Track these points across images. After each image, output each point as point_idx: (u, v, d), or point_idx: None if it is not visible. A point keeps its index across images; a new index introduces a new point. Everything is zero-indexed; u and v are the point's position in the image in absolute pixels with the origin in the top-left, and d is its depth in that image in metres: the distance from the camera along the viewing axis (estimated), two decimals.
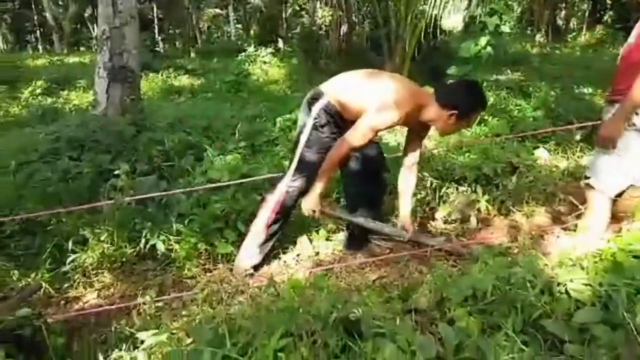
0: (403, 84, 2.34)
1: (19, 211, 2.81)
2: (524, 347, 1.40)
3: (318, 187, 2.37)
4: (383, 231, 2.64)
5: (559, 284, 1.61)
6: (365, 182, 2.65)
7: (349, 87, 2.36)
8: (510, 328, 1.45)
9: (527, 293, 1.58)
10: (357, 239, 2.76)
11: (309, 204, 2.41)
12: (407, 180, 2.59)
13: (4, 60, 12.75)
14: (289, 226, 2.74)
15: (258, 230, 2.50)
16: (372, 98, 2.24)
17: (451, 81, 2.31)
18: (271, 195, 2.50)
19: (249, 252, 2.51)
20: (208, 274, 2.55)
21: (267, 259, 2.60)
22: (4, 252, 2.60)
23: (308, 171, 2.41)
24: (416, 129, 2.49)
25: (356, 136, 2.25)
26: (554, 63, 8.41)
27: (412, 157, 2.55)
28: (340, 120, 2.35)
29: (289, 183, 2.44)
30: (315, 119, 2.36)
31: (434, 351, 1.29)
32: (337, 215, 2.66)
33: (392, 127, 2.33)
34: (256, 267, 2.54)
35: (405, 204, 2.60)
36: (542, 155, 3.62)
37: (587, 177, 2.30)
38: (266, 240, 2.52)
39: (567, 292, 1.57)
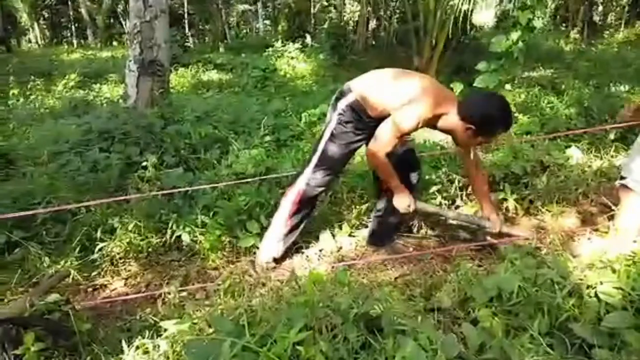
0: (431, 83, 2.29)
1: (51, 199, 2.89)
2: (549, 350, 1.36)
3: (395, 185, 2.37)
4: (474, 222, 2.57)
5: (588, 287, 1.56)
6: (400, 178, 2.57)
7: (376, 85, 2.33)
8: (536, 330, 1.42)
9: (555, 295, 1.54)
10: (381, 235, 2.73)
11: (402, 201, 2.39)
12: (475, 180, 2.53)
13: (40, 54, 13.15)
14: (312, 221, 2.73)
15: (279, 223, 2.50)
16: (398, 97, 2.21)
17: (480, 93, 2.18)
18: (291, 188, 2.49)
19: (270, 245, 2.52)
20: (231, 266, 2.57)
21: (289, 253, 2.61)
22: (36, 239, 2.68)
23: (329, 164, 2.40)
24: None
25: (383, 141, 2.24)
26: (589, 60, 8.13)
27: (469, 158, 2.46)
28: (365, 117, 2.33)
29: (309, 175, 2.43)
30: (340, 114, 2.35)
31: (456, 351, 1.26)
32: (431, 210, 2.60)
33: (418, 127, 2.24)
34: (277, 260, 2.55)
35: (485, 202, 2.53)
36: (574, 154, 3.50)
37: (622, 178, 2.22)
38: (287, 234, 2.51)
39: (596, 295, 1.52)
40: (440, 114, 2.22)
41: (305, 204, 2.49)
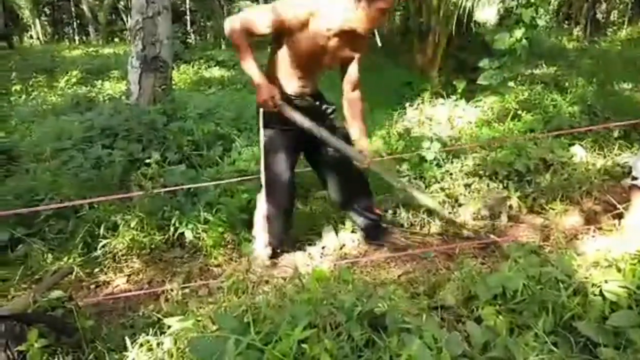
0: None
1: (53, 196, 2.89)
2: (554, 349, 1.35)
3: (252, 73, 2.18)
4: (337, 145, 2.33)
5: (593, 285, 1.55)
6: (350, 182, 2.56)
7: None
8: (541, 329, 1.41)
9: (559, 293, 1.53)
10: (374, 231, 2.69)
11: (263, 93, 2.17)
12: (350, 103, 2.43)
13: (42, 51, 13.14)
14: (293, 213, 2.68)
15: (259, 223, 2.49)
16: None
17: None
18: (258, 199, 2.50)
19: (261, 245, 2.52)
20: (234, 263, 2.57)
21: (292, 250, 2.61)
22: (39, 236, 2.68)
23: (280, 167, 2.36)
24: (340, 48, 2.26)
25: (248, 13, 2.14)
26: (592, 58, 8.10)
27: (349, 78, 2.39)
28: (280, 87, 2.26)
29: (267, 185, 2.39)
30: (264, 115, 2.30)
31: (461, 349, 1.26)
32: (289, 113, 2.26)
33: (292, 24, 2.07)
34: (275, 255, 2.53)
35: (357, 128, 2.41)
36: (577, 152, 3.49)
37: (634, 178, 2.22)
38: (273, 230, 2.48)
39: (601, 293, 1.52)
40: (313, 10, 2.06)
41: (275, 197, 2.41)
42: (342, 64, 2.40)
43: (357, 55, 2.35)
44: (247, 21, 2.12)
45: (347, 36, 2.17)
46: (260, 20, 2.10)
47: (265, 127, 2.33)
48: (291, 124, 2.26)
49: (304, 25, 2.09)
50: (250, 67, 2.18)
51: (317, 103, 2.44)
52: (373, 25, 2.16)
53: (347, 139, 2.44)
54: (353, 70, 2.39)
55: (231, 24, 2.13)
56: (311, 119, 2.27)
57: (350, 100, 2.45)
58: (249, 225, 2.66)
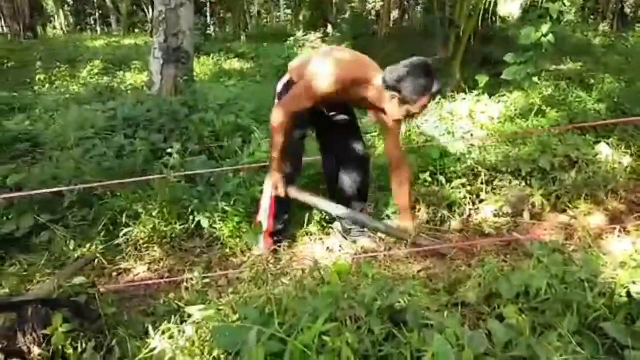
0: (348, 54, 2.28)
1: (77, 183, 2.93)
2: (579, 349, 1.33)
3: (274, 158, 2.33)
4: (379, 228, 2.50)
5: (620, 286, 1.52)
6: (349, 175, 2.61)
7: (308, 60, 2.32)
8: (565, 329, 1.39)
9: (584, 293, 1.50)
10: (357, 230, 2.71)
11: (273, 180, 2.39)
12: (397, 175, 2.48)
13: (65, 41, 13.34)
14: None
15: (265, 220, 2.54)
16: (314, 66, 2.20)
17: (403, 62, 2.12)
18: (265, 187, 2.54)
19: (264, 242, 2.56)
20: (250, 253, 2.59)
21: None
22: (62, 223, 2.73)
23: (288, 150, 2.40)
24: (380, 116, 2.39)
25: (287, 100, 2.23)
26: (619, 54, 7.89)
27: (394, 150, 2.46)
28: None
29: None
30: (278, 97, 2.39)
31: (484, 347, 1.24)
32: (312, 201, 2.49)
33: (327, 94, 2.17)
34: (279, 241, 2.56)
35: (403, 206, 2.49)
36: (603, 150, 3.41)
37: None
38: (277, 229, 2.55)
39: (629, 294, 1.48)
40: (358, 79, 2.17)
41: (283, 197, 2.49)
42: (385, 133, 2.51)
43: (389, 126, 2.42)
44: (290, 112, 2.23)
45: (379, 107, 2.26)
46: (301, 104, 2.22)
47: None
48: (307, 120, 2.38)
49: (344, 90, 2.18)
50: (277, 158, 2.33)
51: (332, 114, 2.51)
52: (397, 119, 2.24)
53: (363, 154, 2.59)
54: (391, 144, 2.46)
55: (278, 117, 2.24)
56: (315, 119, 2.41)
57: (395, 174, 2.50)
58: (254, 213, 2.68)
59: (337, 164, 2.62)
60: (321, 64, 2.19)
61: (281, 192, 2.39)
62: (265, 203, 2.55)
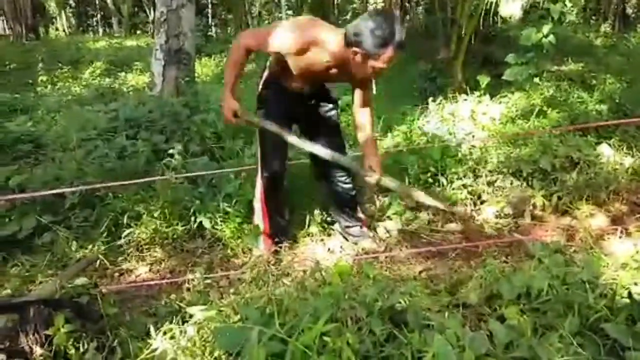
0: (309, 17, 2.26)
1: (79, 185, 2.94)
2: (580, 350, 1.33)
3: (226, 84, 2.29)
4: (347, 163, 2.41)
5: (621, 287, 1.52)
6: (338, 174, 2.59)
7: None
8: (566, 330, 1.39)
9: (586, 294, 1.50)
10: (355, 232, 2.70)
11: (225, 107, 2.30)
12: (360, 118, 2.40)
13: (67, 42, 13.37)
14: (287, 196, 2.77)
15: (261, 221, 2.55)
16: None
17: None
18: (256, 189, 2.55)
19: (264, 243, 2.56)
20: (251, 253, 2.59)
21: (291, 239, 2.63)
22: (64, 224, 2.74)
23: (272, 148, 2.42)
24: (340, 75, 2.29)
25: (262, 32, 2.25)
26: (621, 54, 7.88)
27: (356, 105, 2.39)
28: (278, 79, 2.36)
29: (261, 168, 2.49)
30: (258, 96, 2.45)
31: (485, 348, 1.24)
32: (262, 124, 2.35)
33: (284, 44, 2.13)
34: (278, 243, 2.55)
35: (370, 152, 2.37)
36: (604, 151, 3.41)
37: None
38: (274, 230, 2.55)
39: (630, 295, 1.48)
40: (315, 38, 2.10)
41: (272, 195, 2.51)
42: (350, 83, 2.41)
43: (362, 86, 2.36)
44: (249, 41, 2.23)
45: (346, 70, 2.16)
46: (262, 43, 2.19)
47: (260, 104, 2.45)
48: (286, 99, 2.37)
49: (304, 51, 2.13)
50: (228, 80, 2.30)
51: (313, 101, 2.48)
52: (366, 77, 2.19)
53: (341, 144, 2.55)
54: (358, 98, 2.39)
55: (238, 38, 2.27)
56: (303, 111, 2.41)
57: (359, 126, 2.44)
58: (251, 215, 2.68)
59: (325, 165, 2.54)
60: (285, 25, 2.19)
61: (241, 119, 2.31)
62: (257, 205, 2.56)
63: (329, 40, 2.10)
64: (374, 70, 2.06)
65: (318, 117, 2.51)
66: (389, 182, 2.38)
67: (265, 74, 2.44)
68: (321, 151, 2.35)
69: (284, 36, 2.12)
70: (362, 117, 2.41)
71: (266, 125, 2.32)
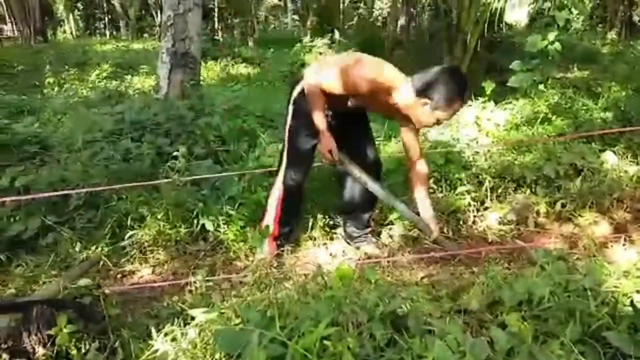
0: (375, 58, 2.26)
1: (83, 186, 2.96)
2: (581, 358, 1.32)
3: (319, 124, 2.25)
4: (411, 217, 2.48)
5: (623, 295, 1.51)
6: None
7: (325, 63, 2.32)
8: (567, 337, 1.38)
9: (587, 302, 1.50)
10: (361, 239, 2.71)
11: (324, 144, 2.29)
12: (416, 175, 2.45)
13: (75, 45, 13.49)
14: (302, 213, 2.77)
15: (272, 223, 2.53)
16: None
17: (432, 68, 2.12)
18: (272, 190, 2.52)
19: (268, 246, 2.54)
20: (255, 257, 2.60)
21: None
22: (68, 225, 2.76)
23: (299, 159, 2.41)
24: (401, 121, 2.37)
25: (327, 72, 2.20)
26: (627, 62, 7.86)
27: (414, 153, 2.43)
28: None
29: (284, 173, 2.44)
30: (294, 103, 2.37)
31: (485, 354, 1.24)
32: (349, 166, 2.39)
33: (352, 90, 2.17)
34: (284, 245, 2.54)
35: (424, 205, 2.43)
36: (609, 158, 3.40)
37: None
38: (281, 233, 2.53)
39: (632, 304, 1.47)
40: (387, 84, 2.14)
41: (290, 201, 2.49)
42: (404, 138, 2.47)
43: (407, 126, 2.39)
44: (329, 84, 2.19)
45: (405, 113, 2.23)
46: (336, 86, 2.17)
47: (291, 134, 2.41)
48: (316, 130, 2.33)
49: (380, 93, 2.17)
50: (321, 120, 2.26)
51: (346, 117, 2.48)
52: (423, 125, 2.24)
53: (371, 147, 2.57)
54: (412, 146, 2.43)
55: (314, 81, 2.21)
56: (334, 124, 2.37)
57: (415, 178, 2.46)
58: (261, 217, 2.68)
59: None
60: (362, 59, 2.20)
61: (335, 156, 2.30)
62: (272, 207, 2.54)
63: (402, 85, 2.15)
64: (438, 120, 2.14)
65: (350, 130, 2.50)
66: (444, 240, 2.56)
67: (300, 86, 2.37)
68: (385, 197, 2.44)
69: (368, 77, 2.13)
70: (420, 168, 2.45)
71: (351, 166, 2.39)
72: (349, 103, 2.34)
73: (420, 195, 2.44)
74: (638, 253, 1.72)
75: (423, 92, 2.07)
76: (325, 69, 2.24)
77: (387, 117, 2.52)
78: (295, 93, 2.38)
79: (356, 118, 2.53)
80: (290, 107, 2.40)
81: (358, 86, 2.15)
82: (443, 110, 2.09)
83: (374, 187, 2.41)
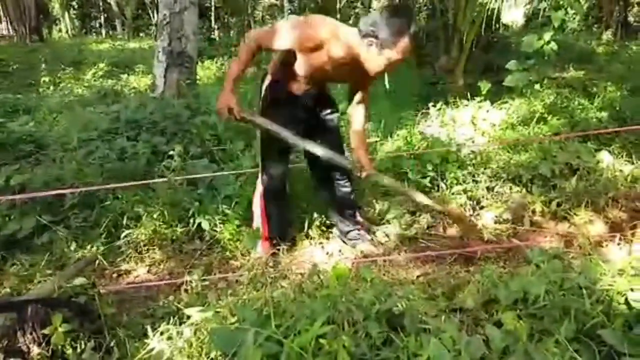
0: (320, 15, 2.23)
1: (79, 185, 2.95)
2: (576, 356, 1.33)
3: (228, 77, 2.21)
4: (336, 158, 2.37)
5: (618, 293, 1.52)
6: (337, 180, 2.59)
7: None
8: (562, 335, 1.39)
9: (582, 300, 1.50)
10: (354, 235, 2.69)
11: (222, 99, 2.17)
12: (355, 113, 2.43)
13: (71, 44, 13.43)
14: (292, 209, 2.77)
15: (260, 226, 2.55)
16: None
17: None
18: (255, 193, 2.55)
19: (263, 245, 2.56)
20: (250, 256, 2.59)
21: (291, 243, 2.64)
22: (64, 224, 2.75)
23: (275, 156, 2.42)
24: (358, 80, 2.34)
25: (269, 31, 2.18)
26: (622, 62, 7.90)
27: (355, 110, 2.42)
28: (281, 83, 2.33)
29: (263, 174, 2.47)
30: (262, 100, 2.39)
31: (480, 352, 1.24)
32: (257, 121, 2.28)
33: (300, 40, 2.11)
34: (277, 246, 2.52)
35: (358, 139, 2.42)
36: (604, 158, 3.41)
37: None
38: (273, 234, 2.53)
39: (627, 302, 1.48)
40: (327, 36, 2.08)
41: (273, 201, 2.50)
42: (350, 85, 2.44)
43: (365, 86, 2.38)
44: (262, 37, 2.18)
45: (358, 66, 2.16)
46: (277, 39, 2.13)
47: (262, 114, 2.39)
48: (290, 104, 2.33)
49: (319, 47, 2.11)
50: (232, 73, 2.22)
51: (314, 105, 2.47)
52: (380, 71, 2.16)
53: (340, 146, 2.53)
54: (357, 96, 2.41)
55: (249, 36, 2.21)
56: (304, 116, 2.38)
57: (352, 121, 2.46)
58: (250, 218, 2.69)
59: (325, 170, 2.56)
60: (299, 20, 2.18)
61: (237, 114, 2.19)
62: (256, 209, 2.56)
63: (344, 33, 2.10)
64: (389, 62, 2.06)
65: (318, 121, 2.51)
66: (379, 177, 2.44)
67: (268, 78, 2.43)
68: (315, 148, 2.33)
69: (299, 32, 2.10)
70: (357, 112, 2.44)
71: (259, 120, 2.28)
72: (301, 72, 2.26)
73: (359, 146, 2.45)
74: (632, 251, 1.73)
75: (368, 32, 2.00)
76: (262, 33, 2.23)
77: (349, 82, 2.45)
78: (262, 89, 2.41)
79: (329, 110, 2.52)
80: (260, 104, 2.43)
81: (307, 38, 2.09)
82: (392, 47, 2.01)
83: (295, 140, 2.29)
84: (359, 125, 2.47)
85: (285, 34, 2.12)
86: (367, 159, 2.44)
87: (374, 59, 2.07)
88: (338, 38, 2.10)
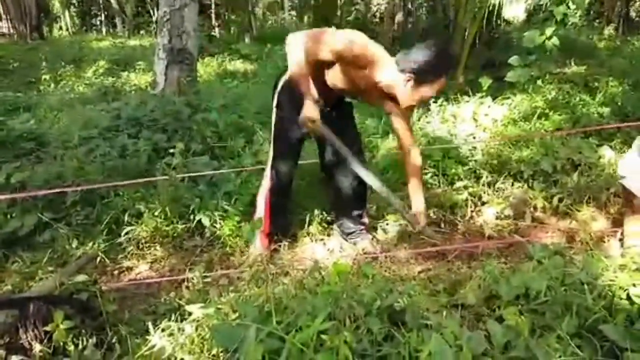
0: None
1: (80, 182, 2.95)
2: (578, 351, 1.33)
3: (305, 94, 2.13)
4: (394, 204, 2.36)
5: (619, 289, 1.51)
6: (347, 177, 2.54)
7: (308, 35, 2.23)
8: (564, 330, 1.39)
9: (584, 295, 1.50)
10: (357, 235, 2.68)
11: (307, 112, 2.12)
12: (409, 165, 2.37)
13: (71, 41, 13.41)
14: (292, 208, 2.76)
15: (261, 206, 2.53)
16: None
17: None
18: (261, 187, 2.53)
19: (261, 240, 2.55)
20: (250, 252, 2.59)
21: (290, 238, 2.64)
22: (65, 221, 2.75)
23: (287, 151, 2.41)
24: (387, 104, 2.30)
25: (310, 38, 2.09)
26: (624, 57, 7.86)
27: (407, 140, 2.35)
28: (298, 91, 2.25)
29: (272, 168, 2.45)
30: (279, 94, 2.37)
31: (482, 348, 1.24)
32: (326, 134, 2.23)
33: (333, 54, 2.09)
34: (277, 241, 2.55)
35: (415, 193, 2.36)
36: (606, 153, 3.40)
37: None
38: (273, 229, 2.53)
39: (628, 297, 1.48)
40: (374, 57, 2.08)
41: (278, 196, 2.49)
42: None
43: (394, 112, 2.32)
44: (314, 47, 2.10)
45: (390, 96, 2.17)
46: (328, 49, 2.09)
47: (277, 107, 2.40)
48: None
49: (365, 65, 2.10)
50: (308, 90, 2.15)
51: (330, 108, 2.42)
52: (410, 104, 2.17)
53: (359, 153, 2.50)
54: (403, 134, 2.35)
55: (296, 42, 2.10)
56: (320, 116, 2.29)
57: (409, 168, 2.39)
58: (252, 212, 2.68)
59: (336, 165, 2.55)
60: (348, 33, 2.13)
61: (317, 126, 2.14)
62: (260, 203, 2.55)
63: (387, 62, 2.09)
64: (422, 97, 2.08)
65: (335, 121, 2.41)
66: (430, 232, 2.45)
67: (285, 77, 2.36)
68: (369, 177, 2.30)
69: (355, 41, 2.06)
70: (413, 158, 2.36)
71: (328, 135, 2.24)
72: (329, 82, 2.25)
73: (413, 186, 2.38)
74: (632, 247, 1.73)
75: (408, 68, 2.01)
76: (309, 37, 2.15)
77: (374, 104, 2.42)
78: (280, 84, 2.37)
79: (344, 114, 2.51)
80: (276, 98, 2.40)
81: (345, 51, 2.06)
82: (427, 87, 2.03)
83: (356, 166, 2.28)
84: (416, 173, 2.37)
85: (336, 38, 2.07)
86: (423, 206, 2.36)
87: (409, 94, 2.08)
88: (381, 63, 2.09)
